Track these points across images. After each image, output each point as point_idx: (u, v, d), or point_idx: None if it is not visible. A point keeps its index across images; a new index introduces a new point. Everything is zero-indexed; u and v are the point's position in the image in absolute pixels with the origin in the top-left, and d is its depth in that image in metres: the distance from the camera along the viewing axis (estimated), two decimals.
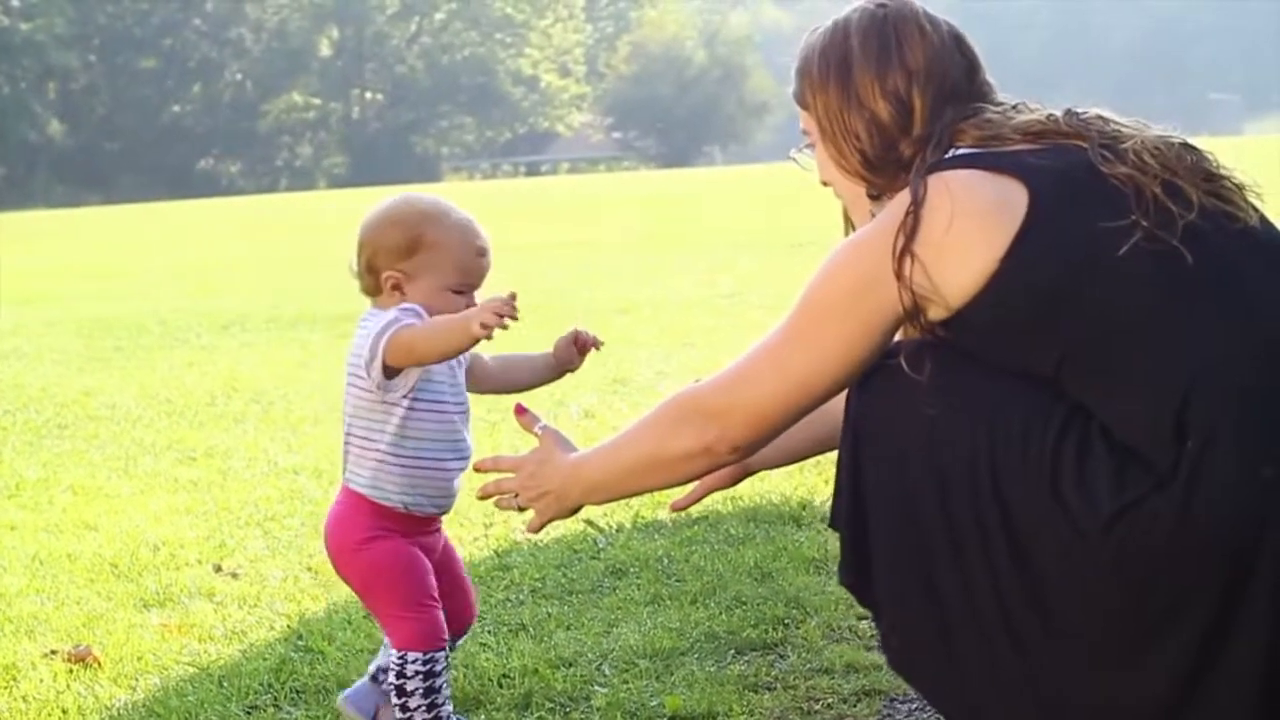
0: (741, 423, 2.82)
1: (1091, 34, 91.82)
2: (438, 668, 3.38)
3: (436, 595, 3.42)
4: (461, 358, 3.46)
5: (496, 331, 3.18)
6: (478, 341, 3.22)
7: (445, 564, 3.55)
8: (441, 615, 3.41)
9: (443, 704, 3.40)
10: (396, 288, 3.40)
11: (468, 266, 3.39)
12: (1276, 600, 2.47)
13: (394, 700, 3.38)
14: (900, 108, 2.83)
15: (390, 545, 3.39)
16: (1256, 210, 2.74)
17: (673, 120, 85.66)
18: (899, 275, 2.65)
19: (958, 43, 2.89)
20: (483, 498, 3.21)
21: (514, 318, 3.19)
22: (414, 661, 3.36)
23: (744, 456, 2.92)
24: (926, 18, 2.88)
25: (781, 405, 2.80)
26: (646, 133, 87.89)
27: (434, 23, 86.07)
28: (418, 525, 3.43)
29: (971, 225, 2.62)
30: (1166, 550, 2.48)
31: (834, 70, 2.88)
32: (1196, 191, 2.65)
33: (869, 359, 2.75)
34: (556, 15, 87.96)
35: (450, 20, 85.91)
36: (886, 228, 2.69)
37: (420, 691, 3.37)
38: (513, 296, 3.20)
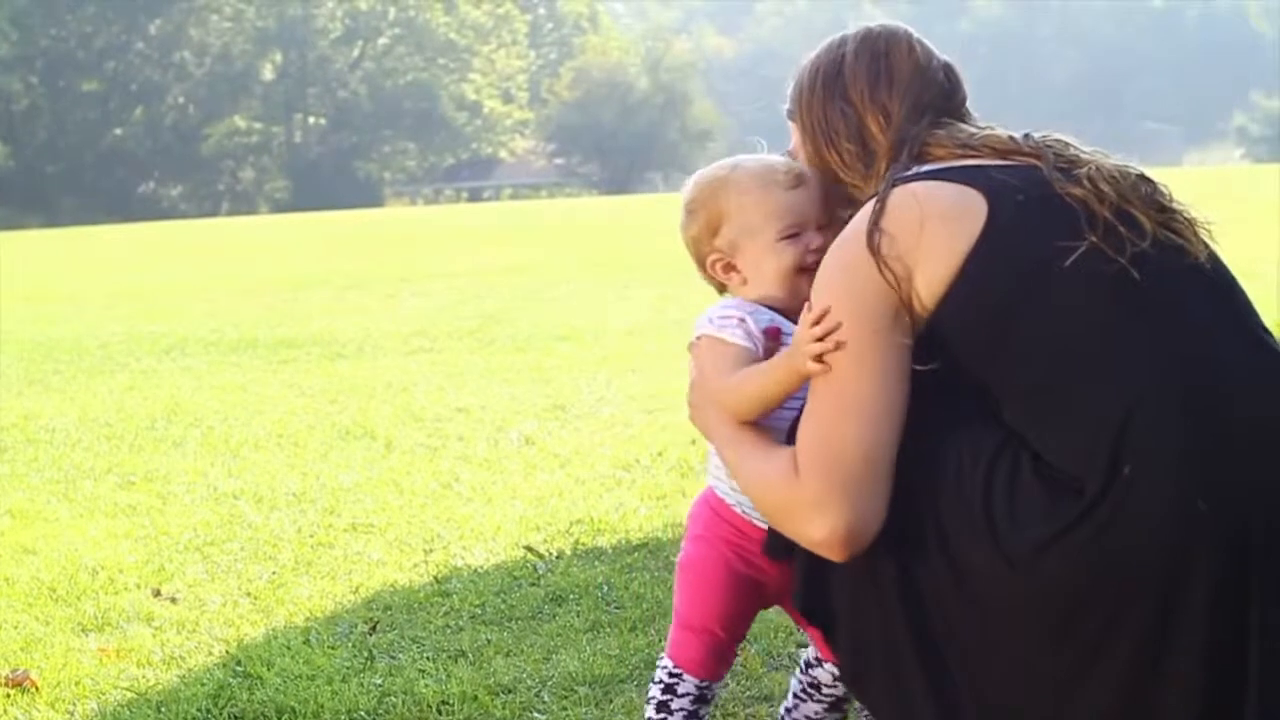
0: (856, 505, 2.68)
1: (1031, 67, 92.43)
2: (680, 688, 3.23)
3: (722, 627, 3.22)
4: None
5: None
6: (808, 376, 2.80)
7: None
8: (715, 648, 3.23)
9: None
10: (729, 269, 3.20)
11: (781, 209, 3.10)
12: (1208, 630, 2.51)
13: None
14: (882, 113, 2.93)
15: (708, 555, 3.21)
16: (1206, 246, 2.78)
17: (615, 147, 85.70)
18: (872, 250, 2.69)
19: (945, 69, 3.00)
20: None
21: (821, 323, 2.73)
22: (664, 668, 3.26)
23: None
24: (918, 41, 3.01)
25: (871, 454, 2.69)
26: (589, 159, 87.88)
27: (377, 48, 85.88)
28: (756, 537, 3.15)
29: (938, 227, 2.68)
30: (1093, 578, 2.53)
31: (823, 74, 3.00)
32: (1150, 222, 2.70)
33: (902, 370, 2.72)
34: (500, 41, 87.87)
35: (393, 45, 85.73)
36: (857, 223, 2.76)
37: (655, 703, 3.25)
38: (823, 312, 2.75)
